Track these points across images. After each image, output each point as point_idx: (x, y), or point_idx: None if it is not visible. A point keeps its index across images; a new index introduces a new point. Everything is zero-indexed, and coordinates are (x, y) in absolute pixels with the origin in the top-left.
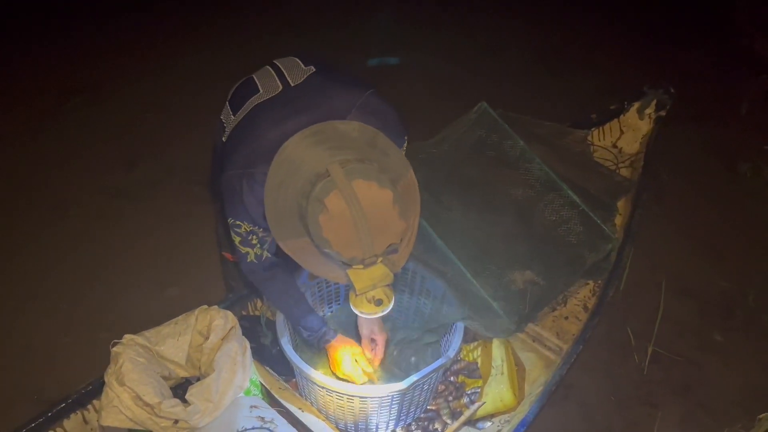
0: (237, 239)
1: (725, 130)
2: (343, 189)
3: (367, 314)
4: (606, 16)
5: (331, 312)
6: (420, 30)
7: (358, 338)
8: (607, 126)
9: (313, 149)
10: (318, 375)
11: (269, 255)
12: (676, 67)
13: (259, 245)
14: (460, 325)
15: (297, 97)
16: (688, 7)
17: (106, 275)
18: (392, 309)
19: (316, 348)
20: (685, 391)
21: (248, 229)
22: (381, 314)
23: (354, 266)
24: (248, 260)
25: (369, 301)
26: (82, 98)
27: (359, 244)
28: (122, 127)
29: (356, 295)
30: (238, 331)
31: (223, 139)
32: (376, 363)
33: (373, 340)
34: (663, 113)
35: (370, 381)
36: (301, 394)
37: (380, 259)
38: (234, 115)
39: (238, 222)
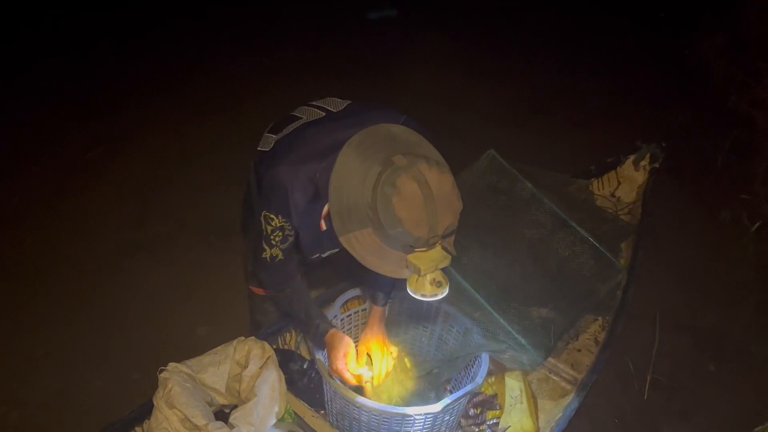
0: (262, 234)
1: (706, 181)
2: (412, 172)
3: (429, 296)
4: (591, 80)
5: None
6: (420, 84)
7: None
8: (605, 177)
9: (373, 148)
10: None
11: (282, 257)
12: (661, 124)
13: (279, 244)
14: (485, 357)
15: (342, 118)
16: (669, 69)
17: (130, 327)
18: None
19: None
20: (686, 416)
21: (278, 225)
22: (441, 296)
23: (417, 249)
24: (263, 256)
25: (431, 284)
26: (101, 150)
27: (428, 223)
28: (134, 182)
29: (418, 279)
30: (275, 359)
31: (266, 149)
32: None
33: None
34: (657, 165)
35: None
36: (331, 422)
37: (439, 241)
38: (276, 135)
39: (271, 215)
